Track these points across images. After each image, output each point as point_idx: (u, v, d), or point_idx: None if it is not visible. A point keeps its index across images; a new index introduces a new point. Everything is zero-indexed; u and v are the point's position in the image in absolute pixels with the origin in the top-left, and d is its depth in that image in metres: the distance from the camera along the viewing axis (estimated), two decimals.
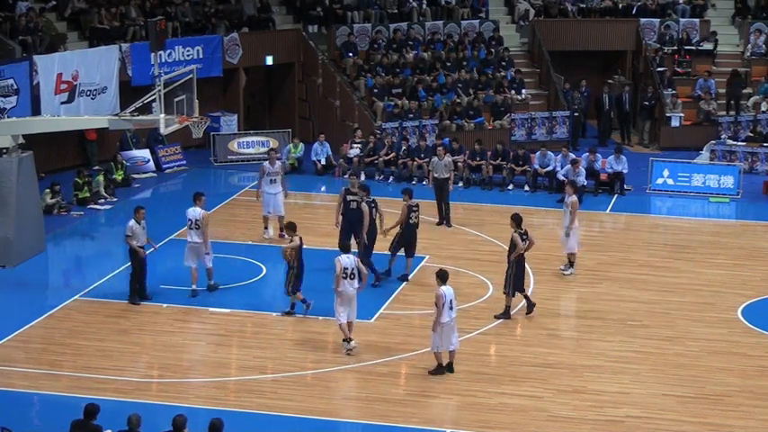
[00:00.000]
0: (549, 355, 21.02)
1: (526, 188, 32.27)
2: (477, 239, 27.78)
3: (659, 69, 38.01)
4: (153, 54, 27.24)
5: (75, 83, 32.33)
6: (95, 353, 20.86)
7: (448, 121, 35.91)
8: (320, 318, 22.32)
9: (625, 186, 32.09)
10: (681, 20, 40.04)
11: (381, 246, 24.62)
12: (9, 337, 21.48)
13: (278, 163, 27.56)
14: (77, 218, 29.44)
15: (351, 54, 37.48)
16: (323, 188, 32.95)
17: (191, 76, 25.62)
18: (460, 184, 32.17)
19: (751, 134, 35.48)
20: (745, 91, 38.23)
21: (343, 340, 20.97)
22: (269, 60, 37.22)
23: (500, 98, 36.81)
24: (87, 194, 30.43)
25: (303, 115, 38.12)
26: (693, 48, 39.27)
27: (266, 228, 27.31)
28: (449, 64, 37.75)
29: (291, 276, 22.34)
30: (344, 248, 21.59)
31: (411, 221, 24.60)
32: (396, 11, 39.59)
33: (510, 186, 32.39)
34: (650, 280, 24.97)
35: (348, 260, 20.79)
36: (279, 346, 21.32)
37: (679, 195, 32.12)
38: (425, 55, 38.14)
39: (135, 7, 35.41)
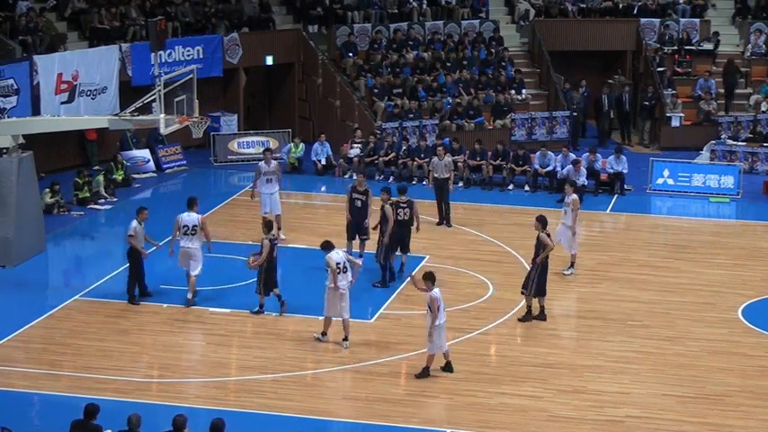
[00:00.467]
0: (549, 355, 21.03)
1: (526, 188, 32.27)
2: (477, 239, 27.78)
3: (659, 69, 38.00)
4: (153, 54, 27.25)
5: (75, 83, 32.33)
6: (95, 353, 20.86)
7: (448, 121, 35.91)
8: (320, 317, 22.29)
9: (625, 186, 32.09)
10: (681, 20, 40.04)
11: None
12: (9, 337, 21.48)
13: (273, 162, 27.54)
14: (77, 218, 29.44)
15: (351, 54, 37.48)
16: (323, 188, 32.95)
17: (191, 76, 25.62)
18: (460, 184, 32.17)
19: (751, 134, 35.48)
20: (745, 91, 38.26)
21: (323, 333, 21.31)
22: (269, 60, 37.22)
23: (502, 98, 36.80)
24: (87, 194, 30.43)
25: (303, 115, 38.12)
26: (693, 48, 39.26)
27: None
28: (449, 64, 37.75)
29: (261, 276, 22.43)
30: (328, 246, 21.43)
31: (399, 218, 24.49)
32: (396, 11, 39.59)
33: (510, 186, 32.40)
34: (650, 280, 24.97)
35: (338, 255, 21.03)
36: (279, 346, 21.32)
37: (679, 195, 32.12)
38: (425, 55, 38.14)
39: (135, 7, 35.41)
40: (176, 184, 33.53)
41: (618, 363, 20.72)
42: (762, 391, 19.66)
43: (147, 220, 23.52)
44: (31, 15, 32.85)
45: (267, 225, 22.84)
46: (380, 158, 33.27)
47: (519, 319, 22.52)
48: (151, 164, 34.23)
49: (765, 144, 34.70)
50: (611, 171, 32.10)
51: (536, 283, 22.32)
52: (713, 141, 35.05)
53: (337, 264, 20.88)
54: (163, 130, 25.09)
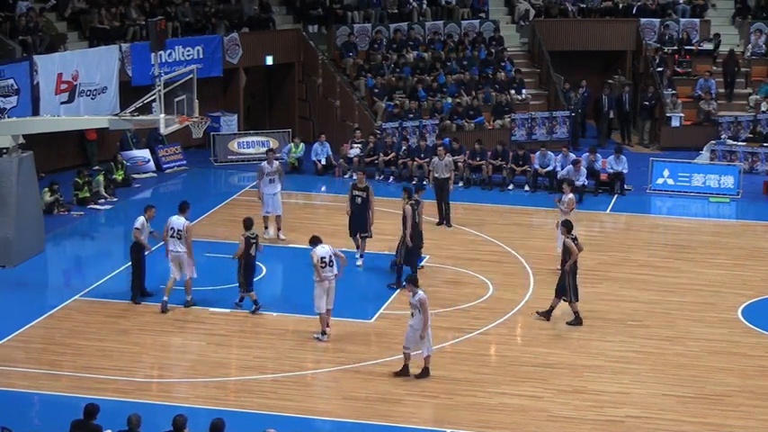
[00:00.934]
0: (549, 355, 21.02)
1: (526, 188, 32.27)
2: (477, 239, 27.78)
3: (659, 69, 38.01)
4: (153, 54, 27.23)
5: (75, 83, 32.33)
6: (95, 353, 20.86)
7: (448, 121, 35.91)
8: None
9: (625, 186, 32.09)
10: (681, 20, 40.03)
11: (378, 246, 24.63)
12: (9, 337, 21.48)
13: (276, 163, 27.56)
14: (77, 218, 29.44)
15: (351, 54, 37.48)
16: (323, 188, 32.95)
17: (191, 76, 25.63)
18: (460, 184, 32.16)
19: (751, 134, 35.48)
20: (744, 91, 38.26)
21: (322, 333, 21.38)
22: (269, 60, 37.22)
23: (502, 98, 36.80)
24: (87, 194, 30.43)
25: (303, 115, 38.12)
26: (693, 48, 39.27)
27: (266, 228, 27.30)
28: (449, 63, 37.75)
29: (241, 273, 22.65)
30: (315, 241, 21.57)
31: (416, 220, 24.53)
32: (396, 11, 39.58)
33: (510, 186, 32.39)
34: (650, 280, 24.97)
35: (323, 249, 21.28)
36: (279, 346, 21.33)
37: (679, 195, 32.12)
38: (425, 55, 38.14)
39: (135, 8, 35.41)
40: (176, 184, 33.54)
41: (618, 363, 20.72)
42: (762, 391, 19.66)
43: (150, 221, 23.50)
44: (31, 15, 32.85)
45: (245, 223, 22.80)
46: (380, 158, 33.27)
47: (567, 323, 22.32)
48: (151, 164, 34.23)
49: (765, 144, 34.69)
50: (611, 171, 32.10)
51: (572, 288, 22.19)
52: (713, 141, 35.04)
53: (321, 258, 21.18)
54: (163, 130, 25.10)
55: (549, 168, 32.10)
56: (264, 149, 34.10)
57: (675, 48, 39.13)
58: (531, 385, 19.72)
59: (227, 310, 22.84)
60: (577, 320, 22.33)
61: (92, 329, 21.98)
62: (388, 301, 23.59)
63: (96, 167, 32.90)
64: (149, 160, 34.22)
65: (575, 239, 22.38)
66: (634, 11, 40.43)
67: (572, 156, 31.93)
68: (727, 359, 20.95)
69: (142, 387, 19.53)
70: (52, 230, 27.72)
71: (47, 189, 29.34)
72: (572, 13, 40.87)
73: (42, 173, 29.78)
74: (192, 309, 22.91)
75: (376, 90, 36.30)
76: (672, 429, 18.31)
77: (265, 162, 27.37)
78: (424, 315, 19.42)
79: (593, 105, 38.11)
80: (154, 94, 24.52)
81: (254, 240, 22.65)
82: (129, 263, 23.67)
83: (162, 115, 24.49)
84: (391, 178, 33.11)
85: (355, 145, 33.80)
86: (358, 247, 26.01)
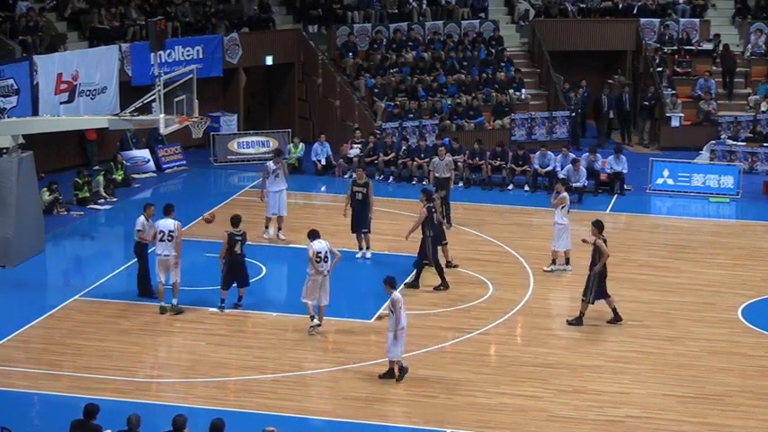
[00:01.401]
0: (549, 355, 21.02)
1: (526, 188, 32.27)
2: (477, 239, 27.78)
3: (659, 69, 38.01)
4: (153, 54, 27.25)
5: (75, 83, 32.33)
6: (95, 353, 20.85)
7: (448, 121, 35.92)
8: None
9: (625, 186, 32.09)
10: (681, 20, 40.03)
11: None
12: (9, 337, 21.48)
13: (281, 161, 27.58)
14: (77, 218, 29.44)
15: (351, 54, 37.48)
16: (323, 188, 32.95)
17: (191, 76, 25.64)
18: (460, 183, 32.16)
19: (751, 134, 35.47)
20: (744, 90, 38.27)
21: (311, 318, 21.62)
22: (269, 60, 37.22)
23: (502, 98, 36.80)
24: (87, 194, 30.43)
25: (303, 115, 38.11)
26: (693, 48, 39.27)
27: (267, 227, 27.30)
28: (449, 63, 37.74)
29: (223, 270, 22.68)
30: (313, 235, 21.72)
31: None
32: (396, 11, 39.59)
33: (510, 186, 32.39)
34: (650, 280, 24.97)
35: (320, 245, 21.46)
36: (279, 346, 21.33)
37: (679, 195, 32.12)
38: (425, 55, 38.14)
39: (135, 8, 35.41)
40: (176, 184, 33.54)
41: (618, 363, 20.72)
42: (762, 391, 19.66)
43: (150, 221, 23.48)
44: (31, 15, 32.85)
45: (232, 220, 22.78)
46: (380, 158, 33.26)
47: (568, 322, 22.33)
48: (151, 164, 34.23)
49: (765, 144, 34.70)
50: (611, 171, 32.09)
51: (595, 291, 22.15)
52: (713, 141, 35.05)
53: (317, 253, 21.37)
54: (163, 130, 25.11)
55: (549, 168, 32.10)
56: (264, 149, 34.21)
57: (675, 48, 39.14)
58: (531, 385, 19.71)
59: (227, 310, 22.82)
60: (578, 321, 22.29)
61: (92, 329, 21.98)
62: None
63: (96, 167, 32.90)
64: (149, 160, 34.22)
65: (605, 242, 22.29)
66: (634, 11, 40.44)
67: (572, 156, 31.93)
68: (727, 359, 20.95)
69: (142, 387, 19.53)
70: (52, 230, 27.72)
71: (46, 189, 29.34)
72: (572, 13, 40.87)
73: (42, 173, 29.78)
74: (191, 309, 22.86)
75: (376, 90, 36.31)
76: (672, 429, 18.31)
77: (271, 162, 27.38)
78: (396, 315, 19.40)
79: (593, 105, 38.10)
80: (154, 94, 24.53)
81: (238, 238, 22.55)
82: (131, 261, 23.65)
83: (162, 115, 24.50)
84: (391, 178, 33.12)
85: (355, 145, 33.80)
86: (360, 248, 26.07)
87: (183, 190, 32.95)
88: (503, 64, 38.41)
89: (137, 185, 32.83)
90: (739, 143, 34.93)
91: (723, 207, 31.46)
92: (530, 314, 23.18)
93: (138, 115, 25.17)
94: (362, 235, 26.04)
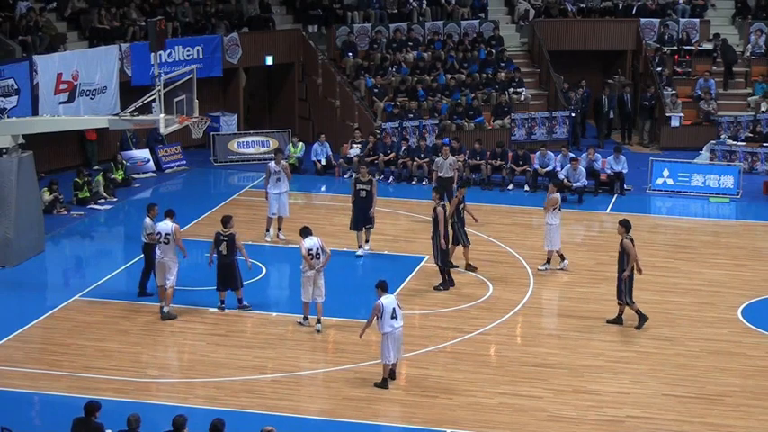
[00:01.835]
0: (549, 355, 21.02)
1: (526, 188, 32.27)
2: (478, 239, 27.73)
3: (659, 69, 38.02)
4: (153, 54, 27.24)
5: (75, 83, 32.33)
6: (95, 353, 20.86)
7: (448, 121, 35.92)
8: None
9: (625, 186, 32.09)
10: (681, 20, 40.04)
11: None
12: (9, 337, 21.48)
13: (283, 162, 27.58)
14: (77, 218, 29.43)
15: (351, 54, 37.48)
16: (323, 188, 32.94)
17: (191, 76, 25.64)
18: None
19: (751, 134, 35.48)
20: (744, 90, 38.27)
21: (304, 318, 21.80)
22: (269, 60, 37.22)
23: (502, 98, 36.81)
24: (87, 194, 30.43)
25: (303, 115, 38.12)
26: (693, 48, 39.28)
27: (267, 230, 27.28)
28: (449, 63, 37.74)
29: (217, 272, 22.73)
30: (305, 232, 21.84)
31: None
32: (396, 11, 39.60)
33: (510, 186, 32.40)
34: (650, 280, 24.91)
35: (311, 241, 21.60)
36: (279, 346, 21.33)
37: (679, 195, 32.11)
38: (425, 55, 38.15)
39: (135, 8, 35.41)
40: (176, 184, 33.54)
41: (618, 363, 20.72)
42: (762, 391, 19.66)
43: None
44: (31, 15, 32.85)
45: (221, 220, 22.76)
46: (380, 158, 33.26)
47: (608, 321, 22.31)
48: (151, 164, 34.23)
49: (765, 144, 34.70)
50: (611, 171, 32.09)
51: (628, 290, 22.08)
52: (713, 141, 35.05)
53: (309, 250, 21.54)
54: (163, 130, 25.11)
55: (549, 168, 32.10)
56: (264, 149, 34.18)
57: (675, 48, 39.14)
58: (531, 385, 19.71)
59: (227, 311, 22.82)
60: (641, 323, 22.14)
61: (92, 329, 21.98)
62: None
63: (96, 167, 32.91)
64: (149, 160, 34.23)
65: (632, 240, 22.21)
66: (634, 11, 40.45)
67: (571, 155, 31.93)
68: (727, 359, 20.94)
69: (142, 387, 19.53)
70: (52, 230, 27.72)
71: (46, 188, 29.34)
72: (572, 13, 40.88)
73: (42, 173, 29.79)
74: (191, 309, 22.86)
75: (376, 90, 36.31)
76: (672, 429, 18.31)
77: (272, 162, 27.37)
78: (369, 320, 19.40)
79: (593, 105, 38.10)
80: (154, 93, 24.53)
81: (223, 238, 22.50)
82: (131, 261, 23.64)
83: (162, 115, 24.50)
84: (391, 178, 33.13)
85: (355, 145, 33.80)
86: (360, 246, 26.20)
87: (182, 190, 32.95)
88: (503, 64, 38.42)
89: (137, 185, 32.83)
90: (739, 143, 34.93)
91: (723, 207, 31.46)
92: (530, 314, 23.18)
93: (138, 115, 25.17)
94: (366, 231, 26.21)
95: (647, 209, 31.42)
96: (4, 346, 21.15)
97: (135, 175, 33.29)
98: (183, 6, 36.39)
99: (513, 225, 29.05)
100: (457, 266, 25.01)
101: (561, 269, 25.33)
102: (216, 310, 22.82)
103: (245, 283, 23.19)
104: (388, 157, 33.32)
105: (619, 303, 22.33)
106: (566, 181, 30.99)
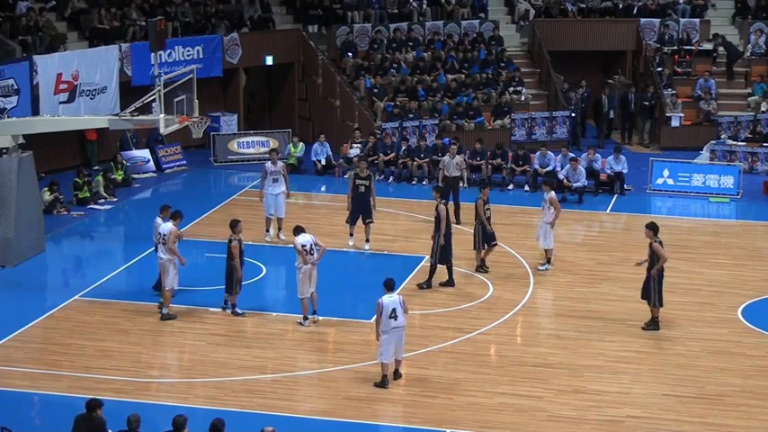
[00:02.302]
0: (549, 355, 21.02)
1: (526, 188, 32.27)
2: None
3: (659, 69, 38.01)
4: (153, 54, 27.24)
5: (75, 83, 32.33)
6: (95, 353, 20.86)
7: (448, 121, 35.93)
8: (320, 317, 22.32)
9: (625, 186, 32.09)
10: (681, 20, 40.05)
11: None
12: (9, 337, 21.48)
13: (280, 163, 27.58)
14: (77, 218, 29.43)
15: (351, 54, 37.49)
16: (323, 188, 32.94)
17: (191, 76, 25.65)
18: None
19: (751, 134, 35.48)
20: (744, 90, 38.27)
21: (304, 318, 21.94)
22: (269, 60, 37.22)
23: (503, 98, 36.81)
24: (87, 194, 30.43)
25: (303, 115, 38.12)
26: (693, 48, 39.28)
27: (267, 230, 27.29)
28: (449, 63, 37.74)
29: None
30: (298, 230, 22.07)
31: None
32: (396, 11, 39.60)
33: (510, 186, 32.40)
34: None
35: (304, 238, 21.91)
36: (279, 346, 21.33)
37: (679, 195, 32.12)
38: (425, 55, 38.15)
39: (135, 8, 35.40)
40: (176, 184, 33.54)
41: (618, 363, 20.72)
42: (762, 391, 19.66)
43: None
44: (31, 15, 32.85)
45: (231, 225, 22.70)
46: (380, 158, 33.26)
47: (643, 328, 22.20)
48: (151, 164, 34.23)
49: (765, 144, 34.71)
50: (611, 171, 32.08)
51: (658, 293, 22.06)
52: (713, 141, 35.05)
53: (303, 245, 21.79)
54: (163, 130, 25.12)
55: (549, 168, 32.10)
56: (264, 149, 34.14)
57: (675, 48, 39.15)
58: (531, 385, 19.71)
59: (228, 311, 22.80)
60: (654, 325, 22.14)
61: (92, 329, 21.98)
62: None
63: (96, 167, 32.91)
64: (149, 160, 34.23)
65: (661, 243, 22.17)
66: (634, 11, 40.46)
67: (571, 155, 31.93)
68: (727, 359, 20.94)
69: (142, 387, 19.52)
70: (52, 230, 27.72)
71: (46, 189, 29.34)
72: (572, 13, 40.89)
73: (42, 173, 29.78)
74: (191, 309, 22.84)
75: (375, 90, 36.32)
76: (672, 429, 18.31)
77: (269, 162, 27.36)
78: (378, 318, 19.40)
79: (593, 105, 38.11)
80: (154, 93, 24.53)
81: (233, 243, 22.46)
82: (131, 261, 23.65)
83: (162, 115, 24.51)
84: (391, 178, 33.13)
85: (355, 145, 33.80)
86: (351, 234, 26.49)
87: (182, 190, 32.94)
88: (503, 64, 38.42)
89: (137, 185, 32.83)
90: (739, 143, 34.94)
91: (723, 207, 31.46)
92: (530, 314, 23.19)
93: (138, 115, 25.17)
94: (366, 228, 26.34)
95: (647, 209, 31.41)
96: (4, 346, 21.15)
97: (135, 175, 33.30)
98: (183, 6, 36.40)
99: (513, 225, 29.04)
100: (488, 270, 25.12)
101: (543, 270, 25.34)
102: (218, 310, 22.82)
103: (245, 283, 23.11)
104: (388, 157, 33.33)
105: (650, 305, 22.19)
106: (565, 181, 31.04)
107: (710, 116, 36.60)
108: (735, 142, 35.02)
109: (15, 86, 30.42)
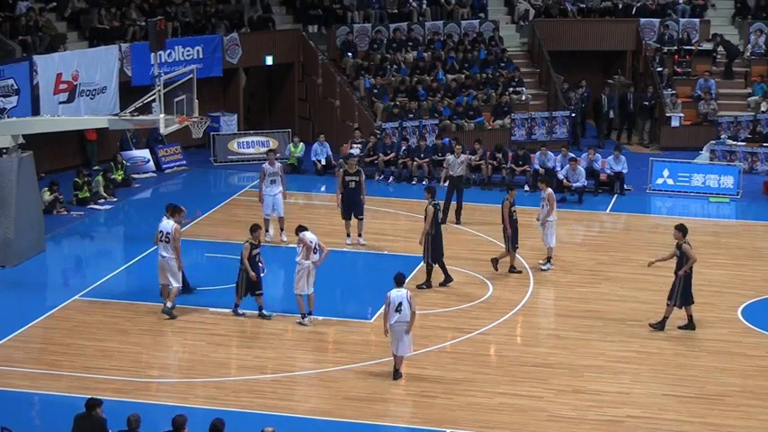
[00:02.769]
0: (549, 355, 21.02)
1: (526, 188, 32.26)
2: (478, 239, 27.78)
3: (659, 69, 38.02)
4: (153, 54, 27.24)
5: (75, 83, 32.33)
6: (95, 353, 20.85)
7: (448, 121, 35.93)
8: (320, 318, 22.33)
9: (625, 186, 32.09)
10: (681, 20, 40.05)
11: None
12: (9, 337, 21.48)
13: (277, 164, 27.57)
14: (77, 218, 29.43)
15: (351, 54, 37.49)
16: (323, 188, 32.93)
17: (191, 76, 25.64)
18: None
19: (751, 134, 35.48)
20: (744, 90, 38.28)
21: (302, 316, 22.02)
22: (269, 60, 37.23)
23: (503, 98, 36.82)
24: (87, 194, 30.43)
25: (303, 115, 38.12)
26: (693, 48, 39.29)
27: (267, 230, 27.27)
28: (449, 64, 37.74)
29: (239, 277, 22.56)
30: (302, 228, 22.13)
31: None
32: (396, 11, 39.61)
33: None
34: (650, 280, 24.90)
35: (312, 235, 21.96)
36: (279, 346, 21.33)
37: (679, 195, 32.12)
38: (425, 55, 38.15)
39: (135, 8, 35.40)
40: (176, 184, 33.54)
41: (618, 363, 20.71)
42: (762, 391, 19.66)
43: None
44: (31, 15, 32.85)
45: (250, 228, 22.62)
46: (380, 158, 33.27)
47: (650, 325, 22.17)
48: (151, 164, 34.23)
49: (765, 144, 34.71)
50: (611, 171, 32.08)
51: (681, 295, 21.98)
52: (713, 141, 35.05)
53: (311, 241, 21.88)
54: (163, 130, 25.12)
55: (549, 168, 32.07)
56: (264, 149, 34.12)
57: (675, 48, 39.15)
58: (531, 385, 19.71)
59: (228, 310, 22.80)
60: (661, 325, 22.05)
61: (92, 329, 21.97)
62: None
63: (96, 167, 32.91)
64: (149, 160, 34.23)
65: (689, 245, 22.06)
66: (634, 11, 40.46)
67: (571, 155, 31.93)
68: (727, 359, 20.94)
69: (142, 387, 19.52)
70: (52, 230, 27.71)
71: (46, 189, 29.34)
72: (572, 13, 40.89)
73: (42, 173, 29.78)
74: (191, 309, 22.82)
75: (375, 90, 36.32)
76: (672, 429, 18.31)
77: (267, 163, 27.36)
78: (385, 311, 19.60)
79: (593, 105, 38.11)
80: (154, 93, 24.53)
81: (254, 246, 22.47)
82: (131, 261, 23.67)
83: (162, 115, 24.51)
84: (391, 178, 33.13)
85: (355, 145, 33.79)
86: (349, 234, 26.62)
87: (182, 190, 32.93)
88: (503, 64, 38.42)
89: (137, 185, 32.83)
90: (739, 143, 34.94)
91: (723, 207, 31.46)
92: (530, 314, 23.19)
93: (138, 115, 25.17)
94: (359, 223, 26.49)
95: (647, 209, 31.42)
96: (4, 346, 21.15)
97: (135, 175, 33.29)
98: (183, 6, 36.40)
99: None
100: (521, 271, 25.15)
101: (546, 269, 25.35)
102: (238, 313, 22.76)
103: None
104: (388, 157, 33.33)
105: (668, 304, 22.10)
106: (565, 181, 31.04)
107: (710, 116, 36.56)
108: (735, 142, 35.02)
109: (15, 86, 30.42)
